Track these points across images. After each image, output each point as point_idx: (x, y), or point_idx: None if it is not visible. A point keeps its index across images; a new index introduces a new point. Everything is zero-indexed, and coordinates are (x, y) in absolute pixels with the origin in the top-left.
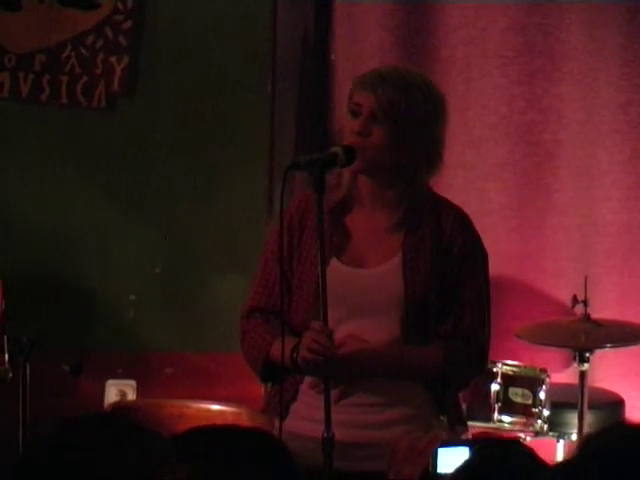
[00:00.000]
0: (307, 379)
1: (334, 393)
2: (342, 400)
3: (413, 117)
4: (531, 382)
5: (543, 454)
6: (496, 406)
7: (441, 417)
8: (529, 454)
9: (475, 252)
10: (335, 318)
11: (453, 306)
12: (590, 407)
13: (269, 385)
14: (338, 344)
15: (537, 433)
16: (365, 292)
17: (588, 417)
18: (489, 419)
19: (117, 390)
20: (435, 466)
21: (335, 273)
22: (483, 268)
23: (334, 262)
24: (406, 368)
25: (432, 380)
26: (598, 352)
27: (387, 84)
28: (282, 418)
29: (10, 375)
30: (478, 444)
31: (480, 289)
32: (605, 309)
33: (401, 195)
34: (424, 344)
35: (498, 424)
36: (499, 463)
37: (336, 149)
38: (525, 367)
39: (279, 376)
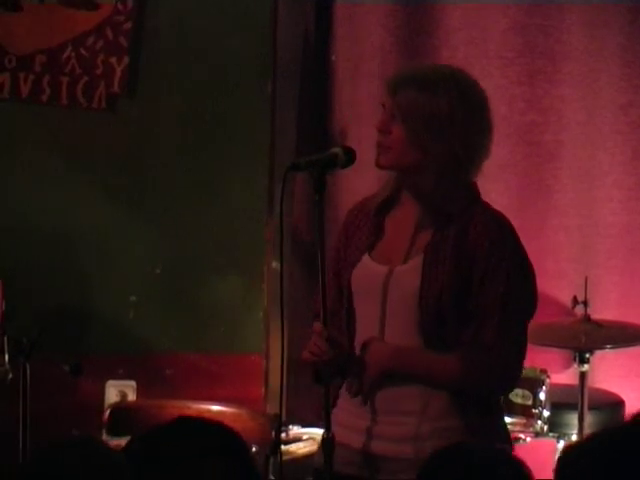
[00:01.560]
0: (346, 382)
1: (360, 395)
2: (367, 402)
3: (433, 118)
4: (531, 383)
5: (543, 455)
6: None
7: (471, 434)
8: (523, 472)
9: (503, 259)
10: (363, 314)
11: (475, 314)
12: (590, 408)
13: (277, 385)
14: (361, 345)
15: (537, 434)
16: (387, 289)
17: (588, 418)
18: None
19: (117, 391)
20: None
21: (364, 269)
22: (514, 278)
23: (365, 258)
24: (422, 372)
25: (454, 391)
26: (598, 353)
27: (408, 85)
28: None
29: (10, 375)
30: None
31: (508, 299)
32: (605, 310)
33: (432, 194)
34: (445, 350)
35: None
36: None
37: (336, 150)
38: (525, 368)
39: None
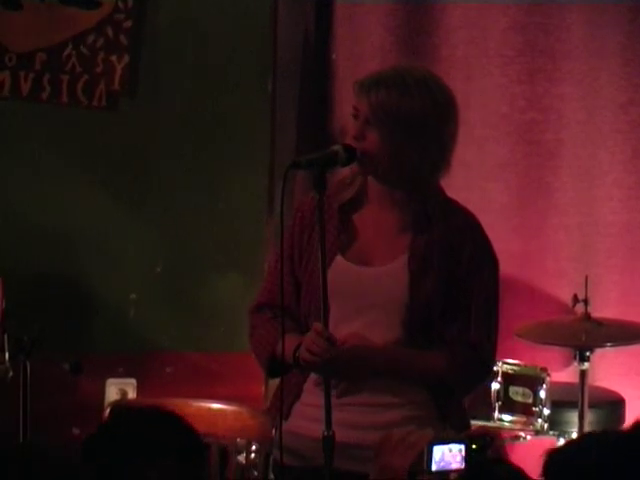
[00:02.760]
0: (312, 377)
1: (336, 390)
2: (343, 397)
3: (408, 120)
4: (531, 381)
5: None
6: (496, 405)
7: (443, 422)
8: (517, 472)
9: (484, 258)
10: (338, 315)
11: (460, 311)
12: (590, 406)
13: (276, 384)
14: (340, 342)
15: (537, 432)
16: (368, 291)
17: (588, 416)
18: (489, 418)
19: (117, 389)
20: (430, 463)
21: (339, 270)
22: (492, 275)
23: (339, 259)
24: (406, 369)
25: (434, 385)
26: (598, 351)
27: (381, 88)
28: (283, 417)
29: (10, 374)
30: (473, 442)
31: (488, 296)
32: (606, 308)
33: (408, 196)
34: (428, 348)
35: (498, 423)
36: None
37: (336, 148)
38: (525, 366)
39: (284, 372)
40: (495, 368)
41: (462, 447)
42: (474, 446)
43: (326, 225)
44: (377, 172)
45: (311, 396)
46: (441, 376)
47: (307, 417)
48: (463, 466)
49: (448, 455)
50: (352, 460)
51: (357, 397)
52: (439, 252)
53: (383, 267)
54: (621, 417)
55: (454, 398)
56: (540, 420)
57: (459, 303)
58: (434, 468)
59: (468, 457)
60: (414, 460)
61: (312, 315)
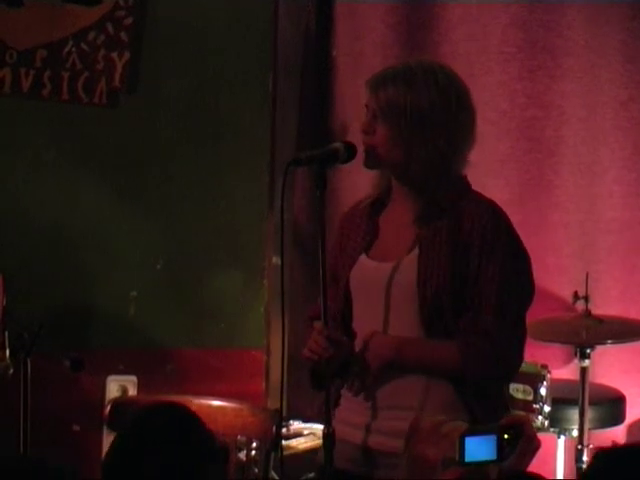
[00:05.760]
0: (347, 382)
1: (362, 393)
2: (368, 399)
3: (415, 113)
4: (532, 378)
5: (544, 450)
6: None
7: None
8: None
9: (497, 245)
10: (361, 313)
11: (472, 300)
12: (591, 403)
13: (277, 381)
14: (363, 341)
15: (538, 429)
16: (386, 286)
17: (589, 413)
18: None
19: (118, 386)
20: (463, 455)
21: (361, 268)
22: (509, 261)
23: (362, 258)
24: (422, 360)
25: (462, 385)
26: (599, 348)
27: (388, 83)
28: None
29: (11, 371)
30: (505, 432)
31: (503, 283)
32: (606, 305)
33: (421, 189)
34: (446, 339)
35: None
36: None
37: (337, 144)
38: (526, 363)
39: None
40: None
41: (494, 438)
42: (506, 436)
43: (357, 229)
44: (387, 167)
45: (348, 401)
46: (456, 366)
47: (345, 421)
48: (495, 458)
49: (480, 447)
50: (376, 466)
51: (385, 400)
52: (447, 243)
53: (398, 262)
54: (622, 414)
55: (485, 403)
56: (540, 417)
57: (472, 292)
58: (466, 460)
59: (500, 448)
60: (447, 451)
61: (355, 320)
